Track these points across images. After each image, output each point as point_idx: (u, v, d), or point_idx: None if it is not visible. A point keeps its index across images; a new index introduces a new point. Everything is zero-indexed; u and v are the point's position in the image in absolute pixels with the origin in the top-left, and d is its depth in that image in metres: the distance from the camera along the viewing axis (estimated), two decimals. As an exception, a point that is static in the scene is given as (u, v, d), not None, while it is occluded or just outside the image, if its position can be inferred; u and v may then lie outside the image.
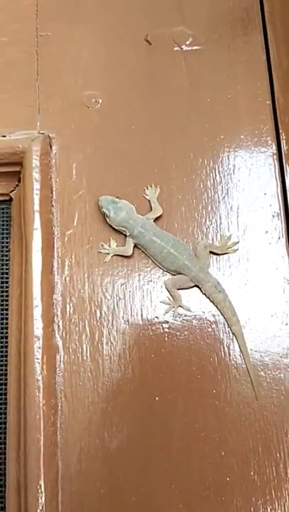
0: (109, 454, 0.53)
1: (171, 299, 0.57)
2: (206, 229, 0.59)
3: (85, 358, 0.55)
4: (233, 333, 0.56)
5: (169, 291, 0.57)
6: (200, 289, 0.57)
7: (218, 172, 0.60)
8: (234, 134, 0.60)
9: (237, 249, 0.58)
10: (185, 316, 0.56)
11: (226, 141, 0.60)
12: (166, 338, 0.56)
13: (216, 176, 0.60)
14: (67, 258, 0.58)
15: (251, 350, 0.55)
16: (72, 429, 0.54)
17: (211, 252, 0.58)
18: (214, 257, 0.58)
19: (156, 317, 0.56)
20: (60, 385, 0.54)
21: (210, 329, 0.56)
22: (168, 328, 0.56)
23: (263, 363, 0.54)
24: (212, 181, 0.60)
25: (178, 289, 0.57)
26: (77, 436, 0.53)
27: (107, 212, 0.57)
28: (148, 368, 0.55)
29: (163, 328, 0.56)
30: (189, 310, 0.57)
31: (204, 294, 0.57)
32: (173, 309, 0.57)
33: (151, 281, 0.57)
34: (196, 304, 0.57)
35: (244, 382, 0.54)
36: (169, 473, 0.52)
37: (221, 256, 0.57)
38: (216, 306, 0.57)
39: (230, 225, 0.58)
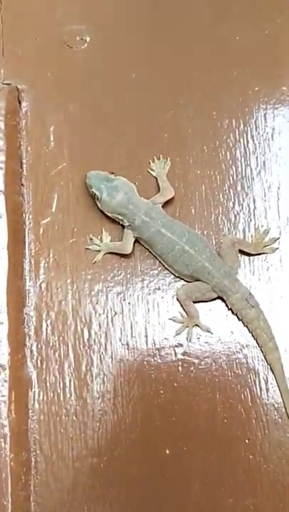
0: (102, 528, 0.46)
1: (185, 315, 0.50)
2: (235, 217, 0.51)
3: (68, 395, 0.48)
4: (269, 364, 0.48)
5: (181, 305, 0.50)
6: (225, 302, 0.50)
7: (252, 138, 0.52)
8: (273, 85, 0.52)
9: (277, 248, 0.50)
10: (206, 337, 0.49)
11: (262, 95, 0.52)
12: (180, 368, 0.48)
13: (248, 142, 0.52)
14: (44, 257, 0.50)
15: None
16: (51, 493, 0.47)
17: (240, 252, 0.50)
18: (245, 256, 0.50)
19: (166, 339, 0.49)
20: (34, 432, 0.48)
21: (240, 356, 0.49)
22: (183, 354, 0.49)
23: None
24: (243, 150, 0.52)
25: (194, 302, 0.50)
26: (58, 503, 0.47)
27: (98, 193, 0.50)
28: (155, 409, 0.48)
29: (176, 355, 0.49)
30: (209, 331, 0.49)
31: (230, 309, 0.50)
32: (187, 329, 0.50)
33: (158, 289, 0.50)
34: (219, 321, 0.50)
35: (288, 428, 0.47)
36: None
37: (256, 255, 0.50)
38: (247, 327, 0.49)
39: (267, 211, 0.51)
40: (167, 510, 0.46)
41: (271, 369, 0.48)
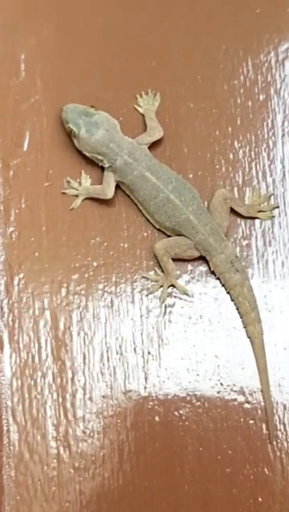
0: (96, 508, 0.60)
1: (160, 272, 0.63)
2: (234, 155, 0.65)
3: (44, 356, 0.62)
4: (249, 337, 0.62)
5: (158, 260, 0.63)
6: (207, 262, 0.63)
7: (253, 66, 0.66)
8: (277, 5, 0.66)
9: (273, 216, 0.64)
10: (200, 294, 0.63)
11: (264, 18, 0.66)
12: (170, 326, 0.63)
13: (248, 72, 0.66)
14: (14, 203, 0.63)
15: (274, 373, 0.61)
16: (26, 466, 0.61)
17: (231, 210, 0.63)
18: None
19: (156, 295, 0.63)
20: (6, 398, 0.61)
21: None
22: (173, 310, 0.63)
23: (285, 398, 0.61)
24: (242, 80, 0.66)
25: (173, 259, 0.63)
26: (34, 477, 0.60)
27: (74, 129, 0.63)
28: (142, 372, 0.62)
29: (166, 312, 0.63)
30: (186, 293, 0.63)
31: (212, 271, 0.63)
32: (161, 288, 0.63)
33: (146, 238, 0.64)
34: (204, 281, 0.62)
35: None
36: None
37: (247, 218, 0.63)
38: (228, 293, 0.63)
39: (270, 149, 0.65)
40: (158, 483, 0.60)
41: (251, 343, 0.61)
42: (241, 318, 0.62)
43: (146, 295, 0.62)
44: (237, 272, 0.62)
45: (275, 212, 0.64)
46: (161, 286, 0.63)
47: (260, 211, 0.64)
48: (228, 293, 0.62)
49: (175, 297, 0.63)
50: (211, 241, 0.61)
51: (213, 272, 0.62)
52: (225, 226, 0.63)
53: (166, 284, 0.63)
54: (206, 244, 0.62)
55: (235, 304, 0.62)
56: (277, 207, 0.64)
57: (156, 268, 0.63)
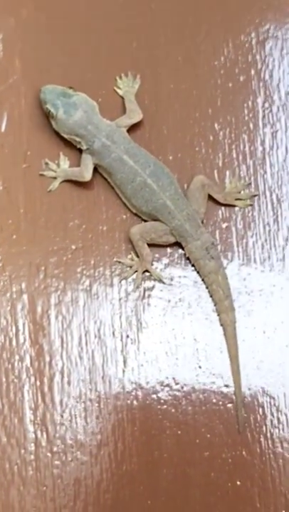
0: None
1: (135, 257, 0.64)
2: (214, 137, 0.65)
3: (21, 340, 0.62)
4: (221, 325, 0.62)
5: (134, 245, 0.63)
6: (183, 248, 0.63)
7: (233, 46, 0.66)
8: None
9: (251, 205, 0.64)
10: (179, 277, 0.63)
11: None
12: (150, 309, 0.63)
13: (229, 52, 0.66)
14: None
15: (252, 357, 0.61)
16: (3, 449, 0.61)
17: (209, 197, 0.63)
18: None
19: (133, 279, 0.63)
20: None
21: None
22: (153, 294, 0.63)
23: (263, 381, 0.61)
24: (223, 61, 0.66)
25: (149, 244, 0.63)
26: (11, 461, 0.61)
27: (53, 110, 0.63)
28: (120, 355, 0.62)
29: (144, 295, 0.63)
30: (161, 279, 0.63)
31: (188, 257, 0.63)
32: (135, 273, 0.63)
33: (125, 221, 0.64)
34: (183, 265, 0.63)
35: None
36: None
37: (224, 205, 0.63)
38: (203, 280, 0.63)
39: (251, 130, 0.65)
40: (136, 466, 0.61)
41: (224, 332, 0.61)
42: (215, 305, 0.62)
43: (123, 279, 0.63)
44: (212, 259, 0.62)
45: (254, 200, 0.64)
46: (136, 271, 0.63)
47: (237, 199, 0.64)
48: (202, 280, 0.62)
49: (154, 280, 0.63)
50: (186, 227, 0.62)
51: (188, 258, 0.63)
52: (202, 213, 0.63)
53: (141, 270, 0.63)
54: (181, 230, 0.62)
55: (209, 292, 0.62)
56: (256, 195, 0.64)
57: (132, 252, 0.63)
